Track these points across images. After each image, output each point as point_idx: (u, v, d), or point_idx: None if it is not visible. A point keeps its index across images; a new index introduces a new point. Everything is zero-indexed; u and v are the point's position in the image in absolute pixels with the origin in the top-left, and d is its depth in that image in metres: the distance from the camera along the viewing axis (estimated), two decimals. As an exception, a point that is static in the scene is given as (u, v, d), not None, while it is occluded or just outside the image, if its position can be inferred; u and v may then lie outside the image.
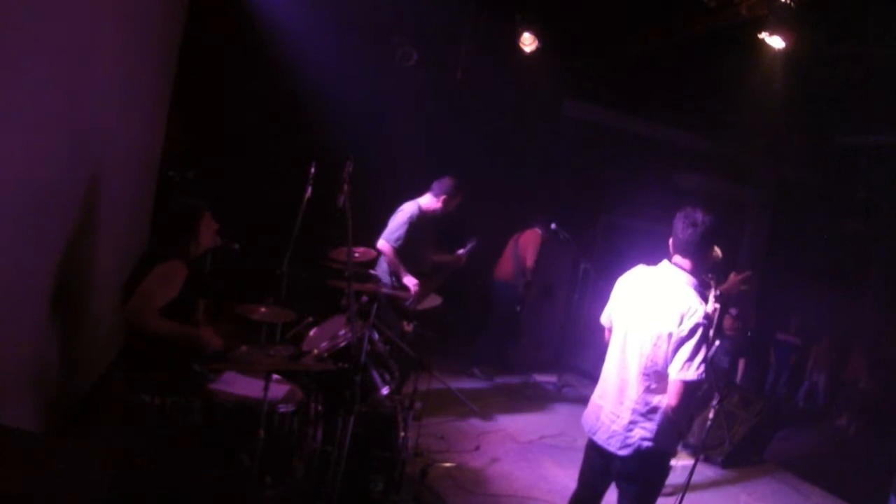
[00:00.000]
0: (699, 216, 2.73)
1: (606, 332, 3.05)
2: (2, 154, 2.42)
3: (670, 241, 2.86)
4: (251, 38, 5.92)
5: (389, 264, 5.05)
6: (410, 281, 5.04)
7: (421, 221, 5.15)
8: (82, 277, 3.69)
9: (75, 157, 3.32)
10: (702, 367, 2.61)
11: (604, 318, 3.06)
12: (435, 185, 5.30)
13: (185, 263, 3.19)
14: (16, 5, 2.34)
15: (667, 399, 2.69)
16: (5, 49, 2.30)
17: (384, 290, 4.36)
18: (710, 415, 3.10)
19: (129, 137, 4.45)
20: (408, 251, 5.07)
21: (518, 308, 6.93)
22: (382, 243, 5.03)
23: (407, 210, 5.15)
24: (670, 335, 2.66)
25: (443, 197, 5.24)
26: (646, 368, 2.73)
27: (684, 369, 2.61)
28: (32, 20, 2.50)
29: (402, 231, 5.03)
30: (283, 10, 5.93)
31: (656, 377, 2.72)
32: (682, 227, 2.77)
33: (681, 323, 2.64)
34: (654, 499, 2.87)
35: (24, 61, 2.47)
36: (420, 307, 5.17)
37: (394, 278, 5.09)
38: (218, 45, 5.85)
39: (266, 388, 2.88)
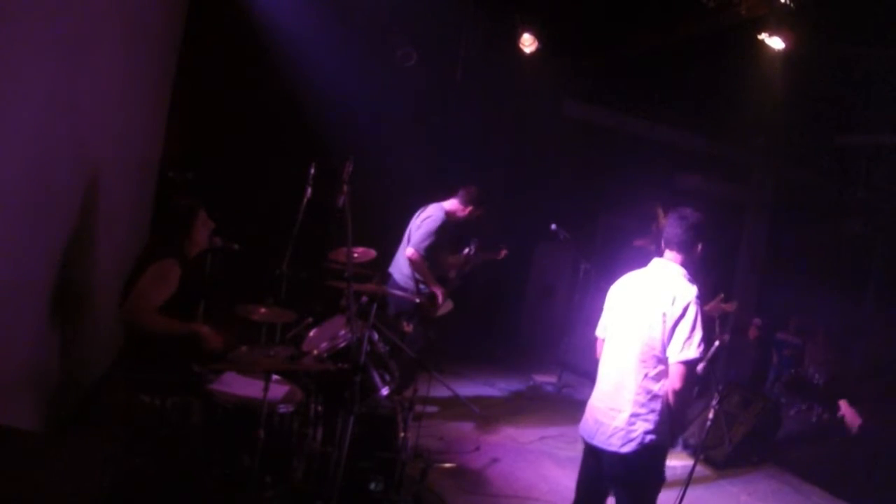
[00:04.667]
0: (688, 212, 2.88)
1: (598, 344, 3.05)
2: (2, 154, 2.42)
3: (662, 240, 2.94)
4: (251, 39, 5.92)
5: (419, 272, 4.99)
6: (439, 290, 5.02)
7: (447, 227, 5.09)
8: (82, 278, 3.69)
9: (75, 158, 3.33)
10: (702, 346, 2.66)
11: (599, 330, 3.06)
12: (463, 192, 5.22)
13: (179, 262, 3.20)
14: (16, 6, 2.34)
15: (669, 383, 2.71)
16: (5, 50, 2.30)
17: (396, 292, 4.41)
18: (710, 415, 3.10)
19: (129, 138, 4.45)
20: (429, 257, 5.03)
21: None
22: (412, 251, 4.95)
23: (436, 217, 5.06)
24: (664, 315, 2.71)
25: (470, 207, 5.19)
26: (643, 354, 2.75)
27: (685, 349, 2.66)
28: (33, 21, 2.50)
29: (431, 239, 4.97)
30: (282, 11, 5.93)
31: (654, 362, 2.74)
32: (671, 223, 2.89)
33: (673, 303, 2.70)
34: (654, 499, 2.86)
35: (24, 62, 2.48)
36: (440, 313, 5.17)
37: (422, 286, 5.06)
38: (218, 46, 5.85)
39: (266, 389, 2.88)
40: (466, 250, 5.44)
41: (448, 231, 5.12)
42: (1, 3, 2.23)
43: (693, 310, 2.69)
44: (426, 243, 4.95)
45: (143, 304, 3.02)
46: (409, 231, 5.16)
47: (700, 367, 2.69)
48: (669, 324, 2.69)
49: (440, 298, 5.04)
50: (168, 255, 3.17)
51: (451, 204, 5.20)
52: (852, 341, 8.90)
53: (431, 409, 4.30)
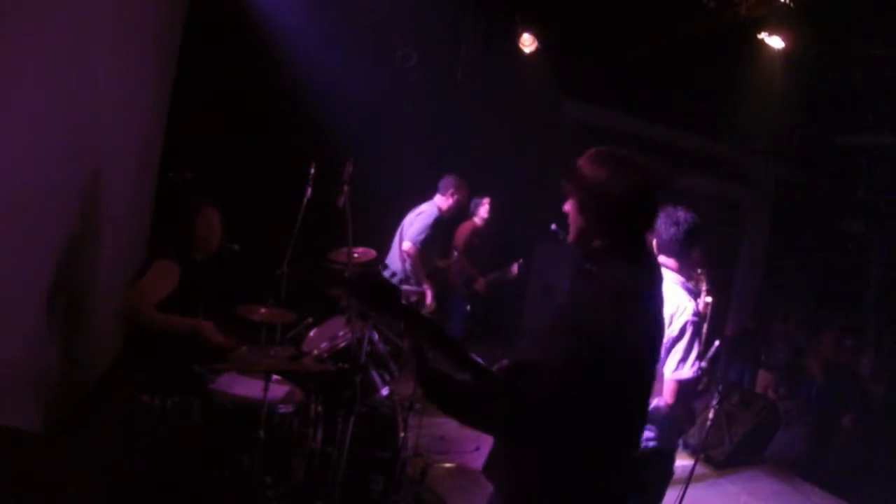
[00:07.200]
0: (681, 215, 2.74)
1: None
2: (2, 154, 2.42)
3: (654, 241, 2.85)
4: (251, 38, 5.92)
5: (414, 265, 5.14)
6: (428, 287, 5.15)
7: (440, 223, 5.27)
8: (82, 277, 3.68)
9: (75, 157, 3.32)
10: (696, 365, 2.65)
11: None
12: (441, 184, 5.39)
13: (178, 262, 3.20)
14: (15, 5, 2.34)
15: (663, 397, 2.69)
16: (4, 49, 2.30)
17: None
18: (710, 415, 3.11)
19: (128, 137, 4.44)
20: (422, 251, 5.18)
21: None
22: (409, 245, 5.10)
23: (430, 212, 5.24)
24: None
25: (451, 191, 5.33)
26: None
27: (679, 369, 2.64)
28: (31, 20, 2.50)
29: (427, 233, 5.14)
30: (282, 11, 5.93)
31: None
32: (664, 226, 2.77)
33: (670, 323, 2.65)
34: (660, 498, 2.86)
35: (23, 61, 2.47)
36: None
37: (413, 280, 5.17)
38: (218, 45, 5.85)
39: (266, 389, 2.88)
40: (455, 254, 5.66)
41: (441, 226, 5.30)
42: (1, 4, 2.23)
43: (690, 330, 2.64)
44: (422, 236, 5.12)
45: (140, 299, 3.03)
46: (402, 229, 5.28)
47: (694, 371, 2.66)
48: (666, 344, 2.63)
49: (428, 298, 5.15)
50: (166, 256, 3.18)
51: (439, 199, 5.36)
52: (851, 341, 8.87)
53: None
